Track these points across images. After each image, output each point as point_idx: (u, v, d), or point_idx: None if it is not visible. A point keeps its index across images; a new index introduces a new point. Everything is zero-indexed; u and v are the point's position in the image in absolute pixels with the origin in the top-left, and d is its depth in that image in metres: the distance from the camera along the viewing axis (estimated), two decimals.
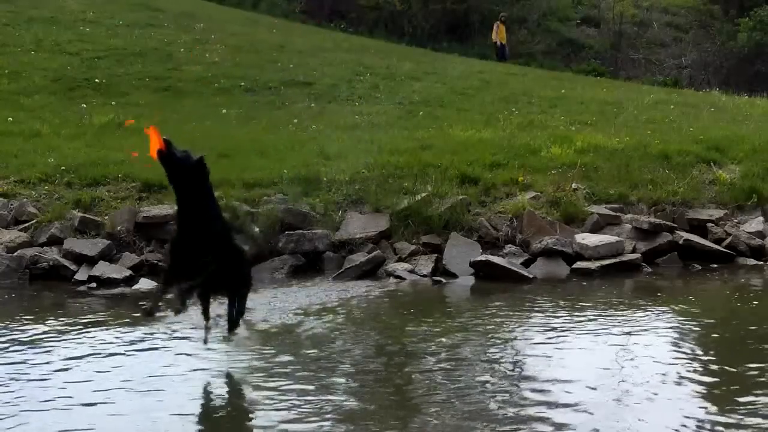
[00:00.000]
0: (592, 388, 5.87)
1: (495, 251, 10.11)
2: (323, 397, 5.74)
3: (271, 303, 8.49)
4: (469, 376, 6.23)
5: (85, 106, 15.45)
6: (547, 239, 10.08)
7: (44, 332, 7.40)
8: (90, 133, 13.51)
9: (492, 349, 6.94)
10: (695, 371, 6.28)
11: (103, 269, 9.48)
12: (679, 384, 6.00)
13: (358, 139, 13.17)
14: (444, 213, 10.42)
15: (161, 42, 20.14)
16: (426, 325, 7.68)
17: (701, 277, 9.87)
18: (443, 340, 7.12)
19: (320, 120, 14.89)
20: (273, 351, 6.85)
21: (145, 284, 9.16)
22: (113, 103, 15.69)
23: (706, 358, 6.65)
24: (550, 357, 6.67)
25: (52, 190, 10.81)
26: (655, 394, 5.76)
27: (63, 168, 11.26)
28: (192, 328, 7.00)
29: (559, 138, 13.20)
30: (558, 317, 7.87)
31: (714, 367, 6.43)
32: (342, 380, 6.15)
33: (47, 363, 6.49)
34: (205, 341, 6.41)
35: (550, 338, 7.16)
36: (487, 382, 6.10)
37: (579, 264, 9.89)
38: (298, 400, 5.69)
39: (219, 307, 6.78)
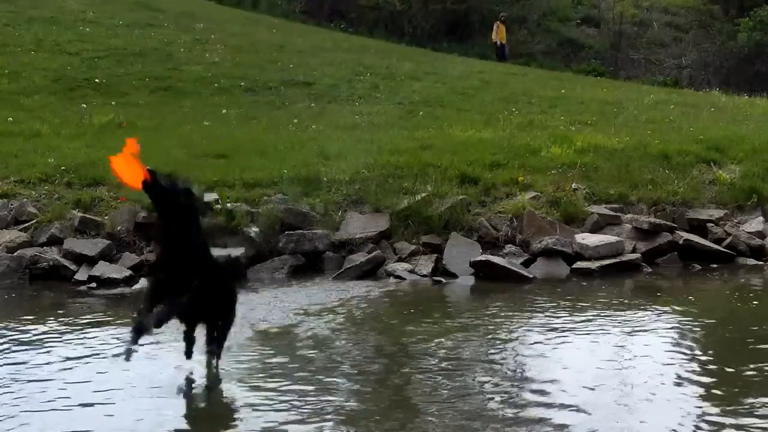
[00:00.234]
0: (592, 389, 5.87)
1: (495, 251, 10.11)
2: (323, 398, 5.74)
3: (271, 303, 8.50)
4: (469, 376, 6.23)
5: (85, 106, 15.46)
6: (547, 239, 10.08)
7: (44, 332, 7.41)
8: (90, 133, 13.52)
9: (492, 350, 6.94)
10: (695, 371, 6.28)
11: (103, 269, 9.49)
12: (678, 384, 6.00)
13: (358, 139, 13.17)
14: (444, 213, 10.42)
15: (161, 42, 20.15)
16: (426, 325, 7.68)
17: (701, 277, 9.87)
18: (443, 340, 7.12)
19: (320, 120, 14.90)
20: (273, 351, 6.85)
21: (145, 284, 9.16)
22: (113, 103, 15.70)
23: (705, 358, 6.65)
24: (550, 357, 6.67)
25: (52, 190, 10.81)
26: (655, 394, 5.76)
27: (63, 168, 11.26)
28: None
29: (559, 138, 13.21)
30: (558, 317, 7.87)
31: (714, 367, 6.43)
32: (342, 381, 6.15)
33: (47, 363, 6.49)
34: (188, 355, 6.06)
35: (550, 338, 7.16)
36: (487, 382, 6.10)
37: (579, 264, 9.89)
38: (298, 400, 5.69)
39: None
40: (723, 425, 5.23)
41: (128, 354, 5.42)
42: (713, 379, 6.09)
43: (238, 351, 6.68)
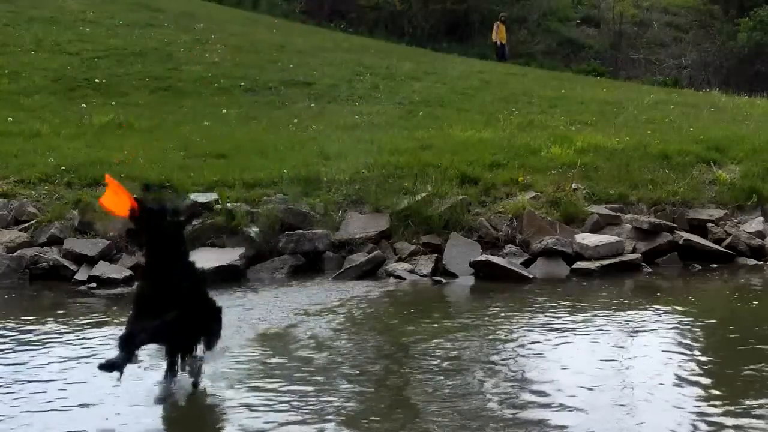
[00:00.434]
0: (592, 390, 5.87)
1: (495, 251, 10.11)
2: (323, 398, 5.74)
3: (271, 303, 8.50)
4: (469, 376, 6.23)
5: (85, 106, 15.46)
6: (547, 239, 10.08)
7: (44, 333, 7.41)
8: (90, 133, 13.52)
9: (492, 350, 6.94)
10: (695, 372, 6.28)
11: (102, 269, 9.49)
12: (678, 385, 6.00)
13: (358, 139, 13.17)
14: (444, 213, 10.42)
15: (161, 42, 20.15)
16: (426, 325, 7.68)
17: (701, 277, 9.87)
18: (443, 340, 7.12)
19: (320, 120, 14.90)
20: (272, 351, 6.85)
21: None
22: (113, 103, 15.70)
23: (705, 358, 6.65)
24: (549, 358, 6.67)
25: (52, 190, 10.81)
26: (654, 395, 5.76)
27: (63, 168, 11.26)
28: None
29: (559, 138, 13.21)
30: (558, 317, 7.87)
31: (713, 367, 6.43)
32: (342, 381, 6.15)
33: (48, 364, 6.49)
34: (169, 382, 5.80)
35: (549, 339, 7.16)
36: (487, 383, 6.10)
37: (579, 264, 9.89)
38: (298, 401, 5.69)
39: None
40: (722, 426, 5.23)
41: (120, 371, 5.27)
42: (713, 380, 6.10)
43: (238, 351, 6.69)
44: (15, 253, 9.69)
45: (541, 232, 10.25)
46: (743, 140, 13.26)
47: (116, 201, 5.37)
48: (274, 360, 6.61)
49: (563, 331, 7.37)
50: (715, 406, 5.58)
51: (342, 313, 8.07)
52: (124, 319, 7.64)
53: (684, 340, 7.20)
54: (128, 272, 9.46)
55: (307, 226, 10.24)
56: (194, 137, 13.28)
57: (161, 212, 5.43)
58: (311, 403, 5.66)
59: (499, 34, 26.66)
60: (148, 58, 18.79)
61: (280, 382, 6.06)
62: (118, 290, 9.12)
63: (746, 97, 20.43)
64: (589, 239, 10.12)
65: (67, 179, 11.02)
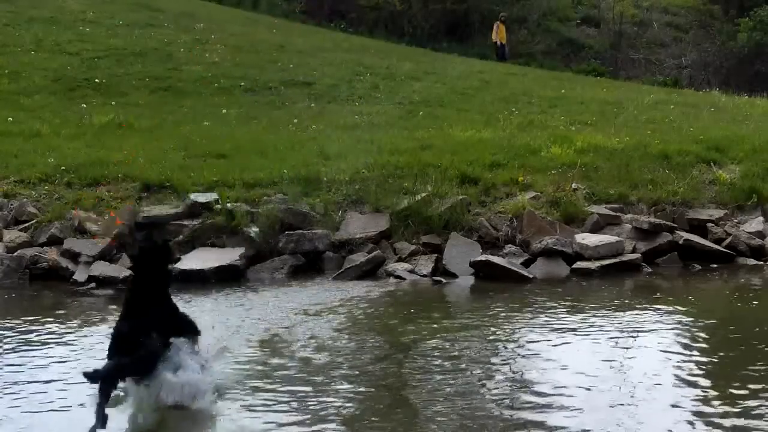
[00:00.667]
0: (592, 390, 5.86)
1: (495, 251, 10.11)
2: (323, 399, 5.74)
3: (271, 303, 8.50)
4: (468, 378, 6.22)
5: (85, 106, 15.47)
6: (547, 239, 10.08)
7: (45, 333, 7.41)
8: (90, 133, 13.53)
9: (492, 350, 6.94)
10: (695, 372, 6.27)
11: (102, 269, 9.48)
12: (678, 385, 5.99)
13: (358, 139, 13.17)
14: (444, 213, 10.42)
15: (161, 42, 20.15)
16: (426, 325, 7.68)
17: (701, 277, 9.87)
18: (443, 341, 7.12)
19: (320, 120, 14.90)
20: (272, 352, 6.85)
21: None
22: (113, 103, 15.71)
23: (706, 359, 6.64)
24: (549, 358, 6.66)
25: (52, 190, 10.82)
26: (654, 396, 5.76)
27: (63, 168, 11.27)
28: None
29: (559, 138, 13.20)
30: (558, 317, 7.87)
31: (714, 368, 6.42)
32: (342, 381, 6.15)
33: (48, 364, 6.49)
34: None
35: (549, 339, 7.15)
36: (487, 383, 6.10)
37: (579, 264, 9.89)
38: (298, 401, 5.69)
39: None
40: (722, 426, 5.23)
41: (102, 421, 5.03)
42: (712, 380, 6.09)
43: (237, 352, 6.69)
44: (15, 253, 9.69)
45: (541, 232, 10.25)
46: (743, 140, 13.26)
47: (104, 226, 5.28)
48: (274, 360, 6.60)
49: (563, 332, 7.36)
50: (715, 406, 5.58)
51: (342, 313, 8.07)
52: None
53: (684, 340, 7.20)
54: (128, 272, 9.45)
55: (307, 226, 10.24)
56: (194, 137, 13.28)
57: (150, 244, 5.41)
58: (311, 403, 5.66)
59: (499, 34, 26.66)
60: (148, 58, 18.79)
61: (280, 382, 6.06)
62: (118, 290, 9.11)
63: (746, 97, 20.43)
64: (589, 239, 10.12)
65: (67, 179, 11.03)
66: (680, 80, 29.22)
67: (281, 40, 22.20)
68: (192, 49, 19.81)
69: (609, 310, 8.21)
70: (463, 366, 6.47)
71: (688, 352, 6.80)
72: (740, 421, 5.29)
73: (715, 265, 10.20)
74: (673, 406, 5.59)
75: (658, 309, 8.23)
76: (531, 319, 7.94)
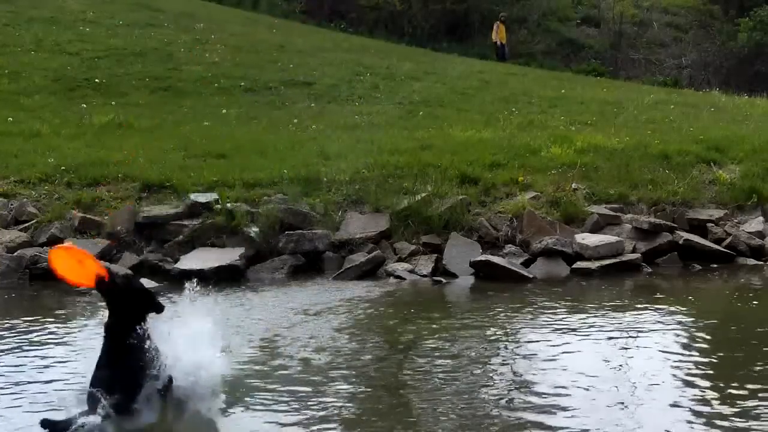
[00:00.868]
0: (592, 391, 5.86)
1: (495, 251, 10.11)
2: (323, 399, 5.74)
3: (271, 303, 8.50)
4: (468, 378, 6.22)
5: (85, 106, 15.47)
6: (547, 239, 10.08)
7: (45, 333, 7.41)
8: (90, 133, 13.53)
9: (491, 351, 6.94)
10: (695, 373, 6.27)
11: None
12: (678, 386, 5.99)
13: (358, 139, 13.18)
14: (444, 213, 10.42)
15: (161, 42, 20.14)
16: (426, 325, 7.68)
17: (701, 277, 9.87)
18: (443, 341, 7.12)
19: (320, 120, 14.90)
20: (272, 352, 6.84)
21: (144, 284, 9.15)
22: (113, 103, 15.70)
23: (706, 359, 6.64)
24: (549, 359, 6.66)
25: (52, 190, 10.82)
26: (654, 396, 5.75)
27: (63, 168, 11.27)
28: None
29: (559, 138, 13.21)
30: (558, 318, 7.87)
31: (714, 368, 6.42)
32: (342, 382, 6.14)
33: (48, 365, 6.49)
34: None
35: (549, 339, 7.15)
36: (487, 384, 6.10)
37: (579, 264, 9.89)
38: (298, 402, 5.69)
39: None
40: (722, 427, 5.23)
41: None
42: (712, 381, 6.09)
43: (237, 352, 6.68)
44: (15, 253, 9.69)
45: (541, 232, 10.25)
46: (743, 140, 13.27)
47: (79, 269, 5.20)
48: (274, 360, 6.60)
49: (563, 332, 7.37)
50: (714, 406, 5.57)
51: (342, 314, 8.07)
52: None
53: (684, 340, 7.20)
54: (128, 272, 9.45)
55: (307, 226, 10.24)
56: (194, 137, 13.28)
57: (130, 287, 5.34)
58: (311, 403, 5.66)
59: (499, 34, 26.65)
60: (148, 58, 18.79)
61: (280, 382, 6.06)
62: None
63: (746, 97, 20.43)
64: (589, 239, 10.12)
65: (67, 179, 11.03)
66: (680, 80, 29.20)
67: (281, 40, 22.19)
68: (192, 49, 19.81)
69: (609, 310, 8.21)
70: (463, 366, 6.47)
71: (687, 352, 6.80)
72: (740, 422, 5.28)
73: (715, 265, 10.21)
74: (673, 406, 5.59)
75: (658, 309, 8.23)
76: (531, 319, 7.94)
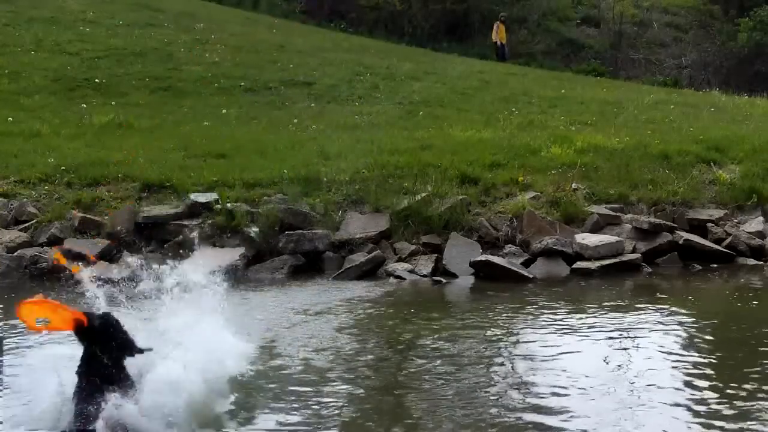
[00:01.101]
0: (592, 391, 5.86)
1: (495, 251, 10.11)
2: (322, 400, 5.74)
3: (271, 303, 8.50)
4: (468, 378, 6.22)
5: (85, 106, 15.47)
6: (547, 239, 10.08)
7: (45, 333, 7.39)
8: (90, 133, 13.53)
9: (492, 351, 6.94)
10: (694, 373, 6.26)
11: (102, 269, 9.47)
12: (678, 387, 5.98)
13: (358, 139, 13.18)
14: (444, 213, 10.42)
15: (161, 42, 20.15)
16: (426, 325, 7.68)
17: (701, 277, 9.87)
18: (443, 341, 7.11)
19: (320, 120, 14.91)
20: (272, 352, 6.84)
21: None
22: (113, 103, 15.71)
23: (706, 360, 6.63)
24: (549, 360, 6.65)
25: (52, 190, 10.82)
26: (653, 397, 5.74)
27: (63, 168, 11.27)
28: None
29: (559, 138, 13.21)
30: (557, 318, 7.87)
31: (714, 368, 6.41)
32: (341, 382, 6.14)
33: (48, 365, 6.47)
34: None
35: (549, 340, 7.15)
36: (486, 385, 6.09)
37: (579, 264, 9.89)
38: (297, 402, 5.69)
39: None
40: (722, 428, 5.22)
41: None
42: (712, 381, 6.08)
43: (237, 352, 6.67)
44: (15, 253, 9.70)
45: (541, 232, 10.25)
46: (743, 140, 13.27)
47: (55, 318, 5.10)
48: (274, 360, 6.60)
49: (563, 332, 7.36)
50: (714, 407, 5.57)
51: (342, 314, 8.06)
52: (124, 320, 7.64)
53: (684, 340, 7.19)
54: (129, 272, 9.45)
55: (307, 226, 10.25)
56: (194, 137, 13.29)
57: (107, 325, 5.28)
58: (311, 403, 5.65)
59: (499, 34, 26.65)
60: (148, 58, 18.79)
61: (280, 382, 6.06)
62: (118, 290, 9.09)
63: (746, 97, 20.43)
64: (589, 239, 10.12)
65: (67, 179, 11.03)
66: (680, 80, 29.20)
67: (281, 40, 22.20)
68: (192, 49, 19.81)
69: (609, 310, 8.21)
70: (463, 366, 6.46)
71: (687, 352, 6.79)
72: (740, 422, 5.28)
73: (715, 265, 10.21)
74: (673, 406, 5.58)
75: (658, 309, 8.23)
76: (531, 319, 7.94)
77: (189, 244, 9.53)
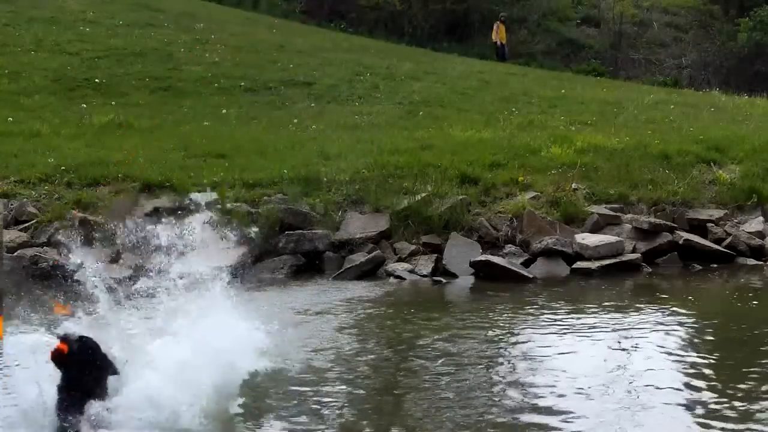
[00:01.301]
0: (591, 392, 5.85)
1: (495, 251, 10.11)
2: (322, 400, 5.74)
3: (271, 303, 8.49)
4: (467, 379, 6.22)
5: (85, 106, 15.46)
6: (547, 239, 10.08)
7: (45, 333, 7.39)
8: (90, 133, 13.52)
9: (491, 351, 6.94)
10: (695, 374, 6.26)
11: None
12: (678, 389, 5.97)
13: (358, 139, 13.17)
14: (444, 213, 10.42)
15: (161, 42, 20.14)
16: (426, 326, 7.68)
17: (701, 277, 9.87)
18: (443, 341, 7.11)
19: (320, 120, 14.90)
20: (272, 352, 6.83)
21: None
22: (113, 103, 15.70)
23: (706, 360, 6.63)
24: (549, 359, 6.65)
25: (52, 190, 10.81)
26: (653, 399, 5.73)
27: (63, 168, 11.27)
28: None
29: (559, 138, 13.21)
30: (557, 318, 7.87)
31: (714, 370, 6.41)
32: (341, 382, 6.15)
33: (47, 365, 6.46)
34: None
35: (549, 340, 7.15)
36: (486, 386, 6.09)
37: (579, 264, 9.90)
38: (297, 402, 5.69)
39: None
40: (722, 429, 5.22)
41: None
42: (713, 383, 6.08)
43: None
44: (15, 253, 9.69)
45: (541, 232, 10.25)
46: (743, 140, 13.27)
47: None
48: (273, 361, 6.59)
49: (563, 332, 7.36)
50: (714, 407, 5.56)
51: (342, 314, 8.07)
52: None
53: (684, 342, 7.19)
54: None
55: (307, 226, 10.25)
56: (194, 137, 13.28)
57: (88, 347, 5.31)
58: (311, 403, 5.65)
59: (499, 34, 26.64)
60: (148, 58, 18.78)
61: (279, 383, 6.06)
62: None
63: (746, 97, 20.42)
64: (589, 239, 10.12)
65: (67, 179, 11.03)
66: (680, 80, 29.18)
67: (281, 40, 22.19)
68: (192, 49, 19.80)
69: (609, 310, 8.21)
70: (463, 366, 6.47)
71: (687, 353, 6.79)
72: (740, 422, 5.28)
73: (715, 265, 10.21)
74: (672, 406, 5.58)
75: (658, 309, 8.23)
76: (531, 319, 7.94)
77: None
